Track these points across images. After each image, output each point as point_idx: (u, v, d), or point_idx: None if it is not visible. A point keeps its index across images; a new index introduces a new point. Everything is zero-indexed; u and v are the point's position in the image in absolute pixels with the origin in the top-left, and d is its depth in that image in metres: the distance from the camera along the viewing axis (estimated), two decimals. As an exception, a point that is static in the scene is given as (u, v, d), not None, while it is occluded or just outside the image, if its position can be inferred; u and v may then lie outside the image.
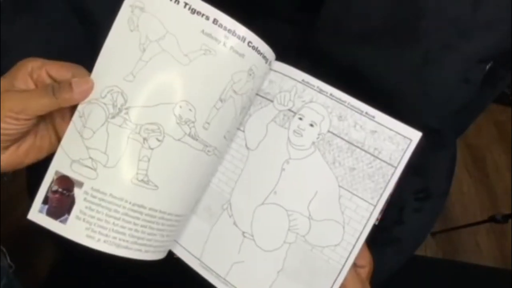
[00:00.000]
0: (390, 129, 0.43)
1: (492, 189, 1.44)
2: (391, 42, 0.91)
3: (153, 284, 0.68)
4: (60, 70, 0.36)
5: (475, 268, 0.95)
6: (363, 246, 0.42)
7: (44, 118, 0.38)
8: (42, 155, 0.39)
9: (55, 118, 0.38)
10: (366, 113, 0.44)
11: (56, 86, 0.34)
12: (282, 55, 1.15)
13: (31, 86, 0.36)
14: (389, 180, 0.41)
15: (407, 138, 0.43)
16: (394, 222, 0.73)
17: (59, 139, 0.38)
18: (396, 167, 0.42)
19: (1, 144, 0.34)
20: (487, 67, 0.87)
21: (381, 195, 0.41)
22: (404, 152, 0.42)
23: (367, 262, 0.44)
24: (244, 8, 1.27)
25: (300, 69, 1.08)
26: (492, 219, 1.10)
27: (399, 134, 0.43)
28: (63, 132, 0.37)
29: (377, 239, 0.74)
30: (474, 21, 0.82)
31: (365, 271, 0.44)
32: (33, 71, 0.36)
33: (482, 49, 0.84)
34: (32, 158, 0.39)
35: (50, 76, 0.36)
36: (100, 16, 1.02)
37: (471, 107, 0.93)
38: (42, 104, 0.33)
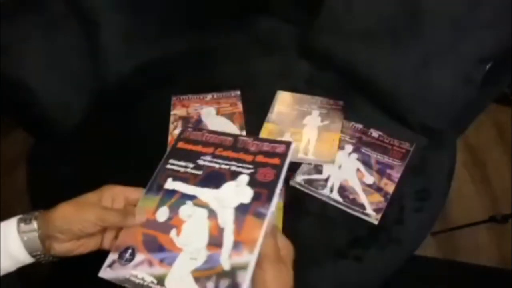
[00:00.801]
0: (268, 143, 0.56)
1: (492, 189, 1.44)
2: (391, 42, 0.91)
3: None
4: (133, 194, 0.54)
5: (475, 268, 0.95)
6: (279, 234, 0.49)
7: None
8: (86, 251, 0.51)
9: (107, 232, 0.52)
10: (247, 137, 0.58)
11: (126, 212, 0.52)
12: (282, 55, 1.15)
13: (110, 205, 0.52)
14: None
15: (285, 144, 0.56)
16: (394, 222, 0.73)
17: (101, 245, 0.52)
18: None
19: (73, 236, 0.48)
20: (487, 67, 0.87)
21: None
22: (286, 156, 0.54)
23: (284, 247, 0.49)
24: (245, 8, 1.27)
25: (301, 68, 1.08)
26: (492, 219, 1.10)
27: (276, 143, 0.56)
28: (107, 242, 0.52)
29: (377, 239, 0.74)
30: (474, 21, 0.82)
31: (285, 257, 0.48)
32: (114, 196, 0.52)
33: (482, 49, 0.84)
34: (80, 251, 0.50)
35: (126, 198, 0.53)
36: (100, 16, 1.02)
37: (471, 107, 0.93)
38: (115, 221, 0.50)
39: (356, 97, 0.95)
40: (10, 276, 0.53)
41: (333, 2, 0.99)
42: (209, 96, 0.95)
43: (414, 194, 0.78)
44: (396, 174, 0.79)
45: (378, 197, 0.75)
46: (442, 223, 1.28)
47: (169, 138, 0.86)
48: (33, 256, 0.48)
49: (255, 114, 0.91)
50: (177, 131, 0.87)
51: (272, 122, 0.89)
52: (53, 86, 0.89)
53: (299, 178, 0.78)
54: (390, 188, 0.77)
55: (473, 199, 1.41)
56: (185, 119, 0.90)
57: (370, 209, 0.73)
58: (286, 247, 0.49)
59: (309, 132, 0.87)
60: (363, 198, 0.75)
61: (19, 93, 0.85)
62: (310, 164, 0.81)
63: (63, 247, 0.48)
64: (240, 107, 0.92)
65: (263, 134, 0.87)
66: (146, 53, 1.04)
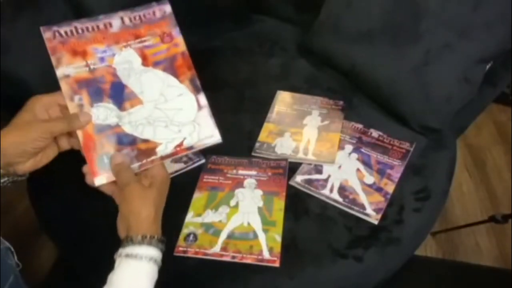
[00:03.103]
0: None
1: (492, 189, 1.44)
2: (391, 42, 0.91)
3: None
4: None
5: (475, 268, 0.95)
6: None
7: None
8: (48, 160, 0.52)
9: (58, 139, 0.53)
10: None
11: (70, 117, 0.51)
12: (282, 55, 1.15)
13: (47, 116, 0.51)
14: None
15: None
16: (394, 222, 0.73)
17: (60, 150, 0.53)
18: None
19: (30, 155, 0.49)
20: (487, 67, 0.87)
21: None
22: None
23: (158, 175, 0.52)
24: (245, 8, 1.27)
25: (301, 68, 1.09)
26: (492, 219, 1.09)
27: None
28: (63, 146, 0.53)
29: (377, 239, 0.74)
30: (474, 21, 0.82)
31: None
32: (47, 106, 0.52)
33: (482, 49, 0.84)
34: (43, 162, 0.51)
35: (59, 105, 0.52)
36: (99, 15, 1.02)
37: (471, 107, 0.93)
38: (62, 129, 0.50)
39: (356, 97, 0.95)
40: (16, 275, 0.53)
41: (333, 2, 0.99)
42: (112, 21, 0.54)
43: (414, 194, 0.78)
44: (396, 174, 0.79)
45: (378, 197, 0.75)
46: (442, 223, 1.28)
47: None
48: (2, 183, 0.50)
49: (255, 114, 0.91)
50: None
51: (272, 122, 0.89)
52: (53, 86, 0.89)
53: (299, 178, 0.78)
54: (390, 188, 0.77)
55: (473, 199, 1.41)
56: (88, 83, 0.52)
57: (370, 209, 0.73)
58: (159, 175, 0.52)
59: (309, 132, 0.87)
60: (363, 198, 0.75)
61: (19, 93, 0.85)
62: (310, 164, 0.81)
63: (26, 167, 0.50)
64: (180, 40, 0.56)
65: (263, 134, 0.87)
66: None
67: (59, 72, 0.52)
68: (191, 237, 0.68)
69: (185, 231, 0.69)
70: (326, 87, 0.98)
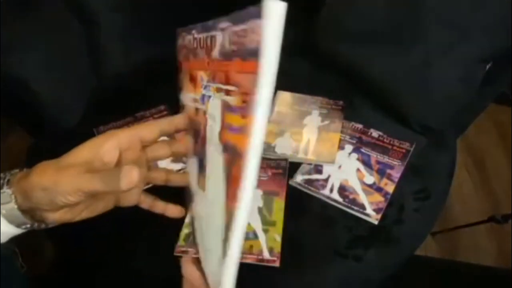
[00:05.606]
0: None
1: (492, 189, 1.44)
2: (391, 42, 0.91)
3: (152, 281, 0.68)
4: (151, 129, 0.38)
5: (475, 268, 0.95)
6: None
7: None
8: (93, 214, 0.39)
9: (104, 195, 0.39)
10: None
11: (107, 176, 0.35)
12: (282, 56, 1.14)
13: (112, 160, 0.37)
14: None
15: None
16: (394, 222, 0.73)
17: (118, 205, 0.40)
18: None
19: (60, 207, 0.36)
20: (487, 67, 0.87)
21: None
22: None
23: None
24: (245, 8, 1.25)
25: (301, 68, 1.08)
26: (492, 219, 1.09)
27: None
28: (127, 201, 0.40)
29: (377, 239, 0.74)
30: (474, 21, 0.82)
31: None
32: (125, 144, 0.38)
33: (482, 49, 0.84)
34: (83, 216, 0.39)
35: (141, 140, 0.38)
36: (99, 16, 1.02)
37: (471, 107, 0.93)
38: (94, 188, 0.34)
39: (356, 97, 0.95)
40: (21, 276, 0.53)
41: (334, 2, 0.99)
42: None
43: (414, 194, 0.78)
44: (396, 174, 0.79)
45: (378, 197, 0.75)
46: (442, 223, 1.28)
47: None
48: (23, 228, 0.37)
49: (255, 114, 0.91)
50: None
51: (272, 122, 0.89)
52: (53, 86, 0.89)
53: (299, 178, 0.78)
54: (390, 188, 0.77)
55: (473, 199, 1.41)
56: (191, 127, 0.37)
57: (370, 209, 0.73)
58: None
59: (309, 132, 0.87)
60: (363, 198, 0.75)
61: (20, 93, 0.85)
62: (310, 164, 0.81)
63: (55, 217, 0.37)
64: (256, 125, 0.24)
65: (263, 134, 0.86)
66: (145, 53, 1.04)
67: (181, 96, 0.38)
68: (191, 237, 0.68)
69: (185, 231, 0.69)
70: (326, 87, 0.98)
